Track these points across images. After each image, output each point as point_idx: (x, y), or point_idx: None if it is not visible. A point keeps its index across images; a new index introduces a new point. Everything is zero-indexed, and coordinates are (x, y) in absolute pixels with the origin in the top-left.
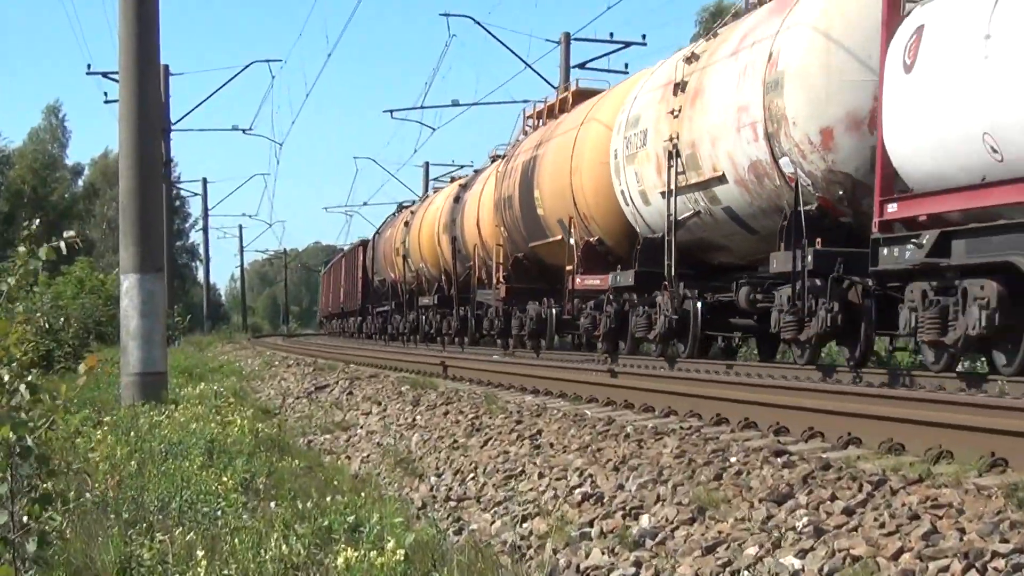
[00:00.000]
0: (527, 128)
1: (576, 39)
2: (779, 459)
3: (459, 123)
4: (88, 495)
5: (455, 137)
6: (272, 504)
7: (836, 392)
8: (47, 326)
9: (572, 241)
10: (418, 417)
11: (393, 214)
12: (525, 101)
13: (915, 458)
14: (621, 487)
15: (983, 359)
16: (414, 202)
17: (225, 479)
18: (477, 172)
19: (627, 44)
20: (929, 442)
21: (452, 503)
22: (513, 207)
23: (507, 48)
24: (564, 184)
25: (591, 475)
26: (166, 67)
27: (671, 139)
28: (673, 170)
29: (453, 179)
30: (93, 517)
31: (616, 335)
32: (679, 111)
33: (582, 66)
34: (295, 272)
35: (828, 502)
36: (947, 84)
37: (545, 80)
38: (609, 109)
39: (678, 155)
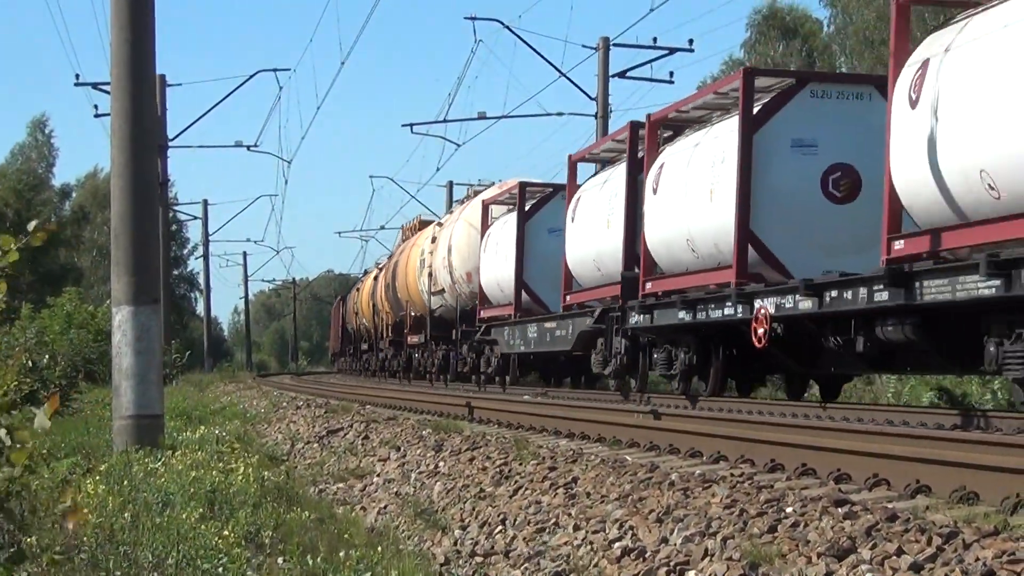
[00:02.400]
0: (403, 238)
1: (616, 45)
2: (840, 509)
3: (486, 138)
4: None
5: (482, 153)
6: (279, 560)
7: (904, 435)
8: (31, 364)
9: (410, 314)
10: (441, 464)
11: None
12: (559, 114)
13: (990, 508)
14: (665, 540)
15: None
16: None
17: (227, 532)
18: (389, 258)
19: (672, 50)
20: (1006, 490)
21: (478, 558)
22: (390, 290)
23: (539, 55)
24: (404, 281)
25: (632, 527)
26: (162, 77)
27: (430, 266)
28: (430, 282)
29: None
30: (81, 575)
31: (426, 370)
32: (433, 252)
33: (622, 75)
34: (305, 304)
35: (894, 557)
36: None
37: (581, 90)
38: (421, 239)
39: (431, 276)
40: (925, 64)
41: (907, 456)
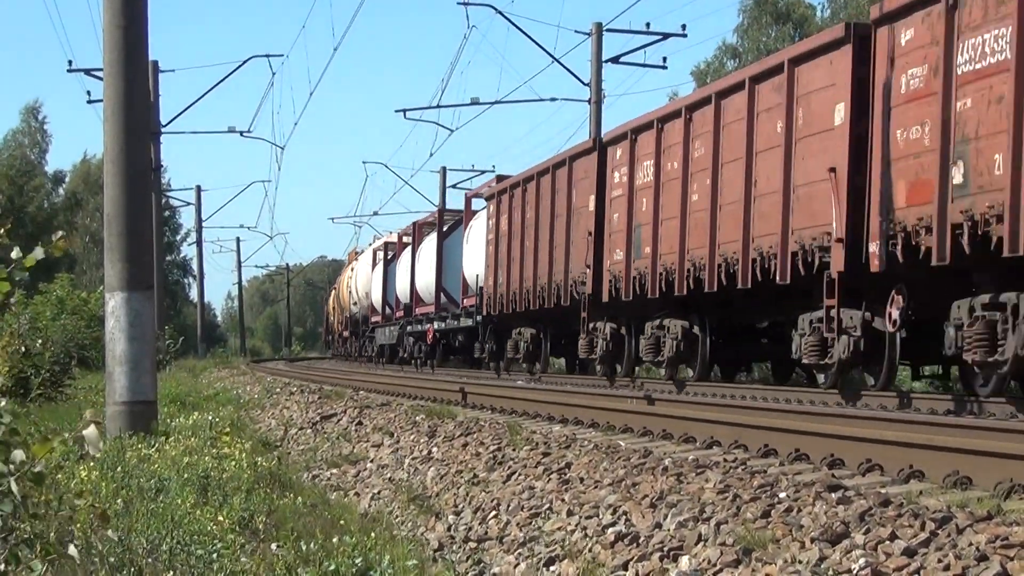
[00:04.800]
0: (348, 262)
1: (609, 30)
2: (833, 494)
3: (479, 123)
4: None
5: (475, 139)
6: (273, 546)
7: (897, 421)
8: (23, 350)
9: (345, 316)
10: (434, 449)
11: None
12: (552, 99)
13: (984, 493)
14: (659, 526)
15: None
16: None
17: (221, 518)
18: (339, 275)
19: (665, 36)
20: (999, 475)
21: (472, 544)
22: (337, 300)
23: (532, 40)
24: (344, 293)
25: (625, 512)
26: (155, 63)
27: (350, 286)
28: (351, 297)
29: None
30: (75, 561)
31: (352, 354)
32: (352, 277)
33: (616, 60)
34: (298, 290)
35: (887, 542)
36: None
37: (575, 75)
38: (349, 268)
39: (351, 292)
40: (470, 227)
41: (900, 441)
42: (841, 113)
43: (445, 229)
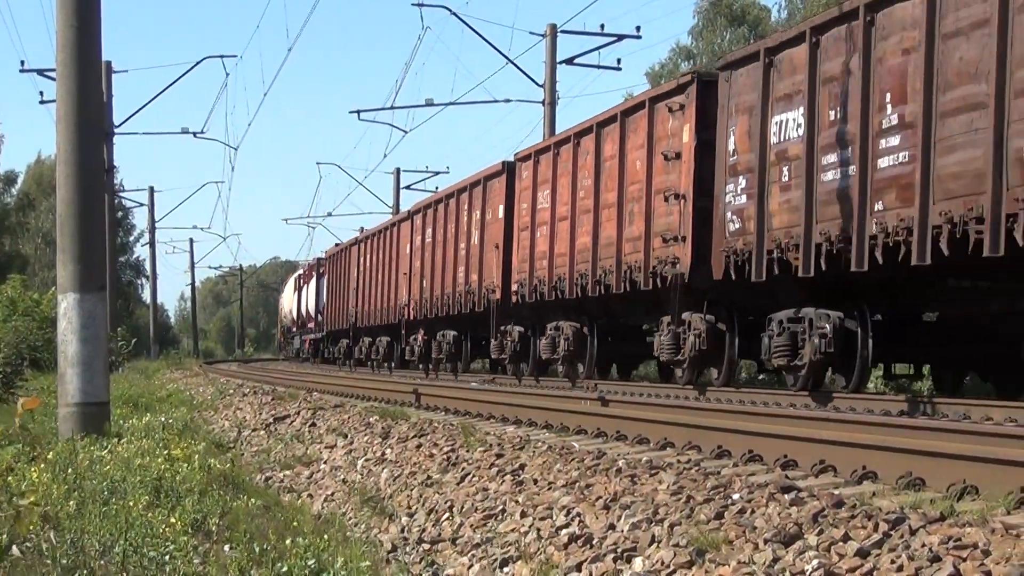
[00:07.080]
0: (286, 282)
1: (563, 32)
2: (786, 496)
3: (434, 124)
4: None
5: (429, 140)
6: (226, 547)
7: (850, 422)
8: None
9: (282, 324)
10: (388, 451)
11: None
12: (507, 100)
13: (936, 494)
14: (612, 527)
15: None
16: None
17: (174, 520)
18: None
19: (620, 37)
20: (952, 476)
21: (425, 545)
22: (300, 307)
23: (487, 42)
24: (281, 306)
25: (579, 514)
26: (108, 64)
27: (282, 304)
28: (282, 311)
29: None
30: (27, 563)
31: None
32: (284, 295)
33: (570, 61)
34: (252, 291)
35: (840, 543)
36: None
37: (529, 77)
38: (284, 288)
39: (281, 308)
40: (325, 273)
41: (854, 442)
42: None
43: (321, 271)
